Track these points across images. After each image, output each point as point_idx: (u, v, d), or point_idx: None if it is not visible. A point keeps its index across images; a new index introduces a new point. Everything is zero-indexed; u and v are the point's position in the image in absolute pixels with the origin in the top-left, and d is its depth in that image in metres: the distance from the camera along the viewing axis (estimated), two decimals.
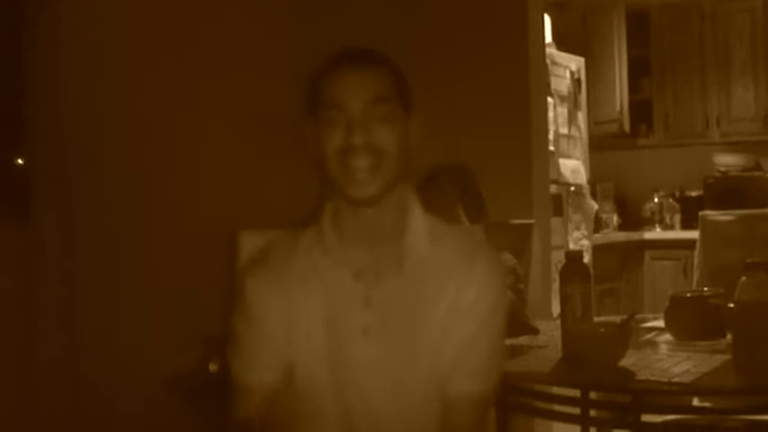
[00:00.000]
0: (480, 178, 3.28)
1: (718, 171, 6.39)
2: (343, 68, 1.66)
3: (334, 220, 1.73)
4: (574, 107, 5.38)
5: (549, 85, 4.92)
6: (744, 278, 2.24)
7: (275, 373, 1.75)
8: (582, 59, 5.61)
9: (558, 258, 4.06)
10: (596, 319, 2.78)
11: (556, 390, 2.47)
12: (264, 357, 1.75)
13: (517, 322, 2.76)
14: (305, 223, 1.81)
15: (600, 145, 6.15)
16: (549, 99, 4.88)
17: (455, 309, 1.68)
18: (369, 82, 1.64)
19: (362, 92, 1.63)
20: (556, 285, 3.12)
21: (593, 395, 2.45)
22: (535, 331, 2.84)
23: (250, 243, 2.18)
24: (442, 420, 1.71)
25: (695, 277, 4.61)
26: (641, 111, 6.65)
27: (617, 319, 2.77)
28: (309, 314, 1.71)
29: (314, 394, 1.71)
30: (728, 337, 2.46)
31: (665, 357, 2.44)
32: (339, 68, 1.66)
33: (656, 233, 6.58)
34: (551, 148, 4.82)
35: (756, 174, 6.25)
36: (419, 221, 1.72)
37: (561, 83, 5.26)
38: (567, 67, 5.36)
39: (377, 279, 1.69)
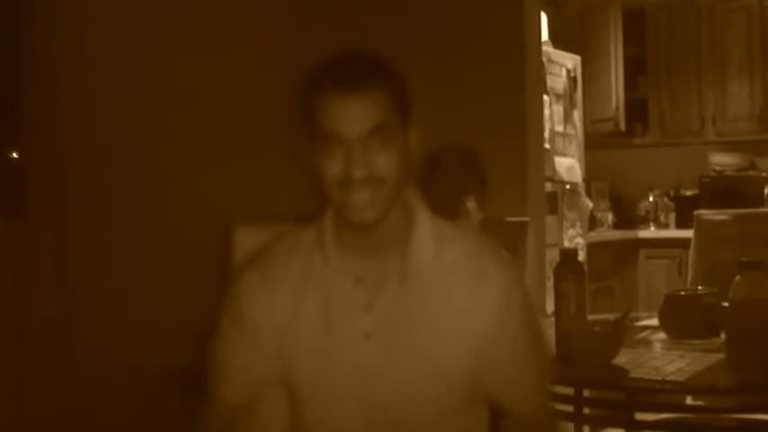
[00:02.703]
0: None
1: (714, 170, 6.39)
2: (340, 94, 1.56)
3: (336, 223, 1.68)
4: (569, 105, 5.38)
5: (545, 83, 4.92)
6: (738, 277, 2.25)
7: (250, 389, 1.73)
8: (578, 57, 5.61)
9: (553, 256, 4.07)
10: (590, 317, 2.78)
11: (549, 387, 2.47)
12: (245, 368, 1.72)
13: None
14: (305, 221, 1.77)
15: (595, 143, 6.15)
16: (545, 97, 4.88)
17: (471, 315, 1.65)
18: (367, 110, 1.56)
19: (360, 121, 1.56)
20: (550, 283, 3.12)
21: (586, 393, 2.45)
22: None
23: (245, 238, 2.17)
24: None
25: (689, 276, 4.61)
26: (637, 109, 6.65)
27: (611, 317, 2.77)
28: (307, 320, 1.67)
29: (314, 405, 1.69)
30: (722, 336, 2.47)
31: (659, 356, 2.44)
32: (335, 93, 1.56)
33: (651, 232, 6.58)
34: (547, 145, 4.83)
35: (751, 173, 6.26)
36: (425, 226, 1.68)
37: (557, 81, 5.26)
38: (563, 65, 5.36)
39: (379, 285, 1.65)
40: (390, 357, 1.64)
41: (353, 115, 1.56)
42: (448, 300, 1.65)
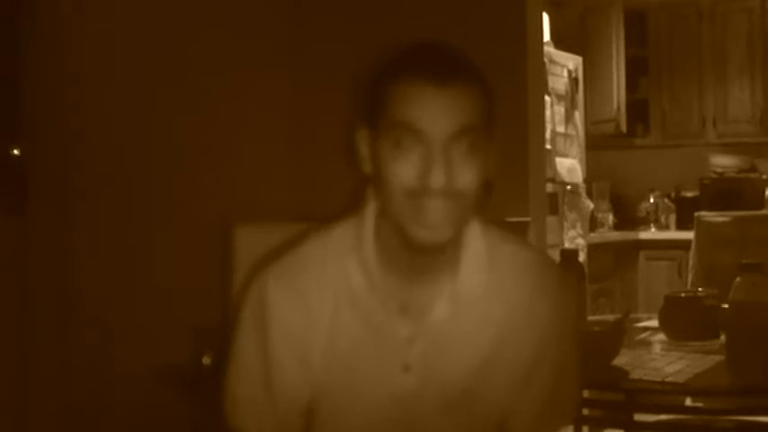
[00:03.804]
0: None
1: (714, 172, 6.40)
2: (425, 83, 1.32)
3: (384, 238, 1.45)
4: (571, 106, 5.38)
5: (546, 84, 4.92)
6: (738, 279, 2.25)
7: (280, 426, 1.54)
8: (579, 58, 5.62)
9: (554, 257, 4.06)
10: (590, 317, 2.79)
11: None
12: (274, 399, 1.51)
13: None
14: (316, 220, 1.58)
15: (596, 144, 6.15)
16: (547, 98, 4.88)
17: (517, 355, 1.50)
18: (457, 106, 1.33)
19: (448, 119, 1.32)
20: None
21: (585, 394, 2.44)
22: None
23: (245, 238, 2.17)
24: None
25: (690, 278, 4.61)
26: (638, 110, 6.66)
27: (611, 318, 2.77)
28: (342, 348, 1.47)
29: None
30: (722, 337, 2.46)
31: (659, 357, 2.44)
32: (418, 81, 1.32)
33: (652, 233, 6.58)
34: (548, 146, 4.82)
35: (752, 175, 6.26)
36: (477, 247, 1.48)
37: (559, 82, 5.26)
38: (564, 65, 5.36)
39: (424, 314, 1.46)
40: (428, 388, 1.48)
41: (440, 109, 1.32)
42: (491, 326, 1.49)
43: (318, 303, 1.47)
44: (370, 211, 1.47)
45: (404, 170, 1.33)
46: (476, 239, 1.48)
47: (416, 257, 1.42)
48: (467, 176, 1.34)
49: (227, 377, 1.56)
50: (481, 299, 1.47)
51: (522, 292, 1.50)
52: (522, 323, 1.49)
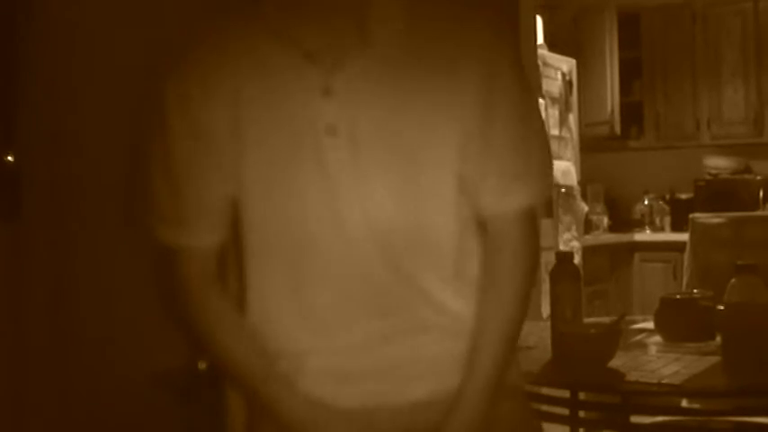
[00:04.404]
0: None
1: (709, 173, 6.40)
2: None
3: None
4: (565, 109, 5.39)
5: (540, 87, 4.92)
6: (733, 280, 2.25)
7: (225, 218, 1.40)
8: (573, 61, 5.62)
9: (549, 259, 4.06)
10: (586, 320, 2.79)
11: (545, 390, 2.47)
12: (211, 196, 1.38)
13: None
14: None
15: (590, 147, 6.16)
16: (541, 100, 4.88)
17: (459, 90, 1.31)
18: None
19: None
20: (546, 286, 3.12)
21: (582, 396, 2.45)
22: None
23: None
24: (487, 255, 1.38)
25: (685, 279, 4.63)
26: (632, 113, 6.66)
27: (607, 320, 2.77)
28: (256, 117, 1.32)
29: (278, 223, 1.35)
30: (718, 338, 2.47)
31: (655, 359, 2.44)
32: None
33: (647, 235, 6.59)
34: None
35: (746, 176, 6.27)
36: None
37: (552, 84, 5.27)
38: (558, 68, 5.37)
39: (337, 62, 1.29)
40: (361, 153, 1.30)
41: None
42: (427, 73, 1.30)
43: (224, 75, 1.33)
44: None
45: None
46: None
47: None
48: None
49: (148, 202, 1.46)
50: (404, 37, 1.31)
51: (450, 30, 1.33)
52: (454, 72, 1.32)
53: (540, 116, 1.46)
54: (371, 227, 1.32)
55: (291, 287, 1.37)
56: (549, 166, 1.43)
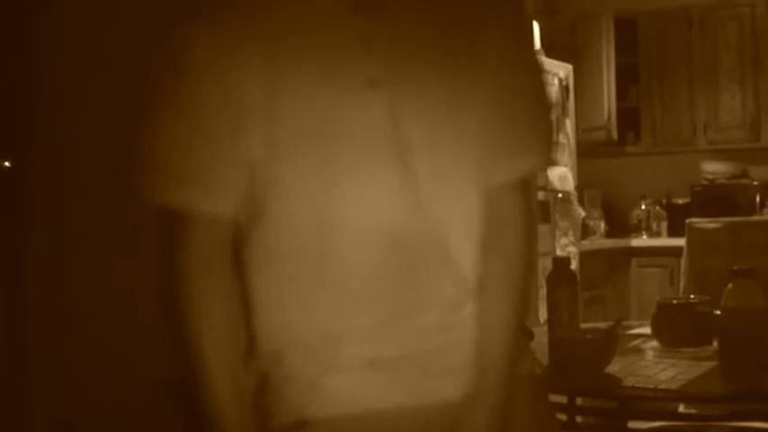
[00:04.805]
0: None
1: (705, 179, 6.41)
2: None
3: None
4: (562, 114, 5.40)
5: None
6: (730, 285, 2.26)
7: (241, 188, 1.27)
8: (570, 67, 5.63)
9: (546, 265, 4.07)
10: (583, 325, 2.79)
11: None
12: (233, 159, 1.25)
13: None
14: None
15: (587, 152, 6.16)
16: None
17: (483, 63, 1.29)
18: None
19: None
20: (543, 292, 3.13)
21: (579, 401, 2.45)
22: (530, 336, 2.84)
23: None
24: (491, 225, 1.32)
25: (682, 284, 4.63)
26: (629, 118, 6.66)
27: (604, 325, 2.77)
28: (293, 71, 1.22)
29: (313, 187, 1.24)
30: (715, 344, 2.47)
31: (652, 364, 2.45)
32: None
33: (643, 240, 6.59)
34: None
35: (743, 181, 6.28)
36: None
37: (549, 90, 5.27)
38: (555, 74, 5.37)
39: (380, 9, 1.24)
40: (404, 107, 1.24)
41: None
42: (464, 37, 1.29)
43: (252, 26, 1.24)
44: None
45: None
46: None
47: None
48: None
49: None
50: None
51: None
52: (485, 36, 1.30)
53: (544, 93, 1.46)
54: (410, 187, 1.25)
55: (317, 254, 1.26)
56: (551, 141, 1.44)
